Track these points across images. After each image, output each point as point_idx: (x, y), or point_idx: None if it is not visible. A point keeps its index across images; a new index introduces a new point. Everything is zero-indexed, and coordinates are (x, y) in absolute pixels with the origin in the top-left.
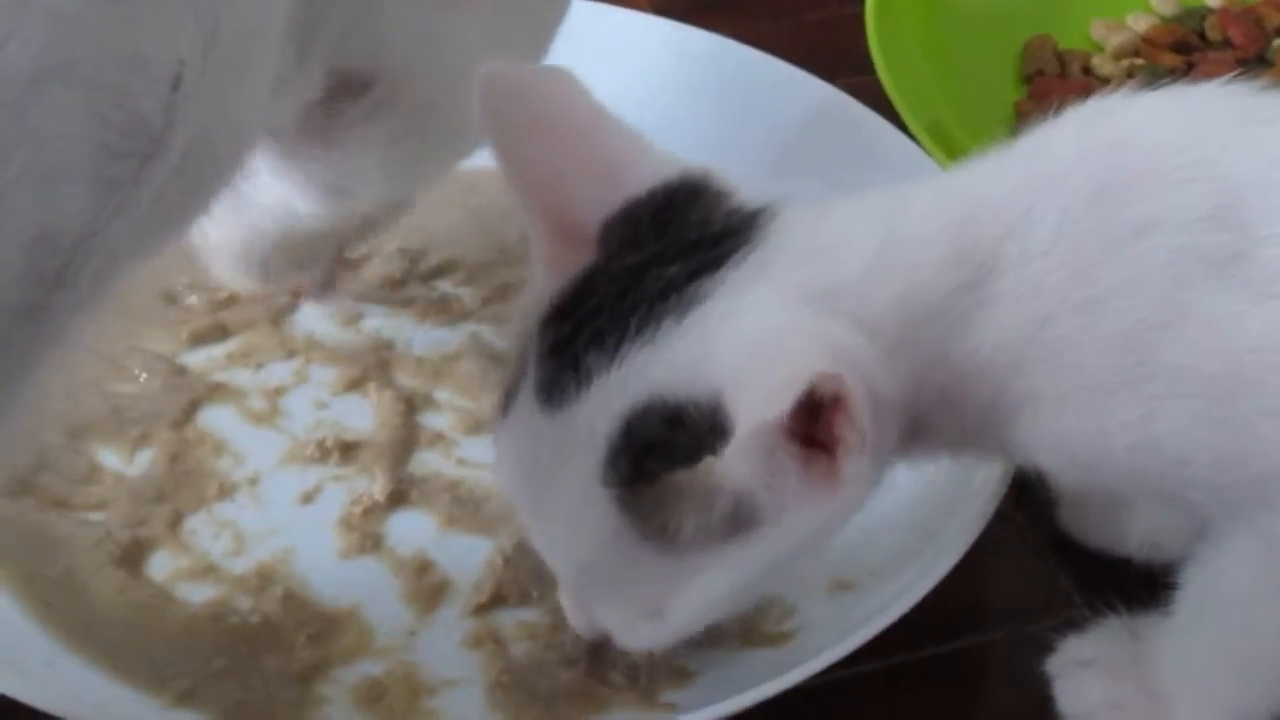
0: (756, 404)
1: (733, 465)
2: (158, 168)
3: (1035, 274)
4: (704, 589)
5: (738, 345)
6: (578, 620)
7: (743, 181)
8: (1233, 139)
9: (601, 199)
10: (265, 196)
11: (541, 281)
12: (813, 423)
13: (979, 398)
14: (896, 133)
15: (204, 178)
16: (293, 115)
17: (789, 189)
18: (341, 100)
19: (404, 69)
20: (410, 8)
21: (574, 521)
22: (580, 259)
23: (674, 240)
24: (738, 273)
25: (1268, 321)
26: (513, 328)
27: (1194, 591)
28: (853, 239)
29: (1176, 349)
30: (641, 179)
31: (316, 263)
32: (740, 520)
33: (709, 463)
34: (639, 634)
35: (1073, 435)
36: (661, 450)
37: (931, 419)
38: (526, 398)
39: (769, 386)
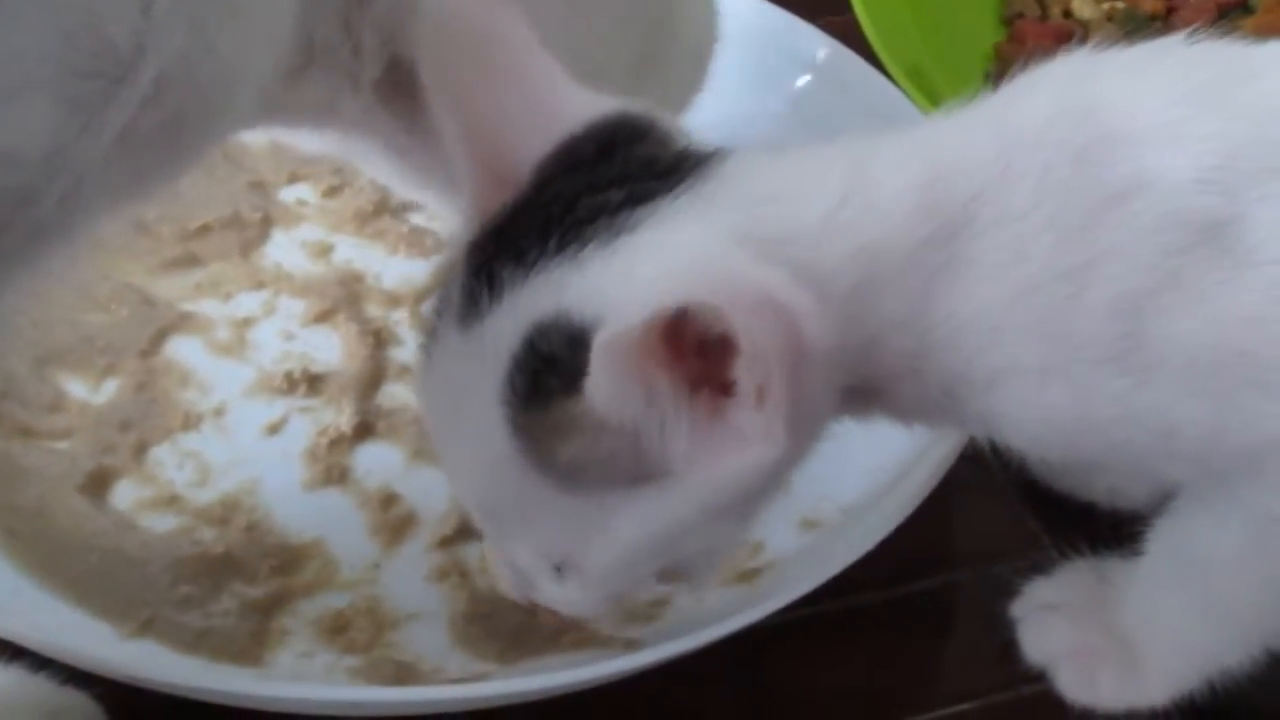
0: (617, 319)
1: (593, 387)
2: (126, 92)
3: (1015, 238)
4: (616, 539)
5: (649, 272)
6: (505, 580)
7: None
8: (1219, 98)
9: (538, 138)
10: None
11: (471, 216)
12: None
13: (947, 367)
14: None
15: (187, 115)
16: (363, 97)
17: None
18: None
19: None
20: None
21: (477, 449)
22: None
23: (615, 168)
24: (676, 207)
25: (1258, 290)
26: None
27: (1166, 547)
28: (810, 189)
29: (1165, 318)
30: (579, 117)
31: None
32: (643, 467)
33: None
34: (563, 592)
35: (1056, 408)
36: (560, 371)
37: (887, 384)
38: (448, 322)
39: (637, 303)
